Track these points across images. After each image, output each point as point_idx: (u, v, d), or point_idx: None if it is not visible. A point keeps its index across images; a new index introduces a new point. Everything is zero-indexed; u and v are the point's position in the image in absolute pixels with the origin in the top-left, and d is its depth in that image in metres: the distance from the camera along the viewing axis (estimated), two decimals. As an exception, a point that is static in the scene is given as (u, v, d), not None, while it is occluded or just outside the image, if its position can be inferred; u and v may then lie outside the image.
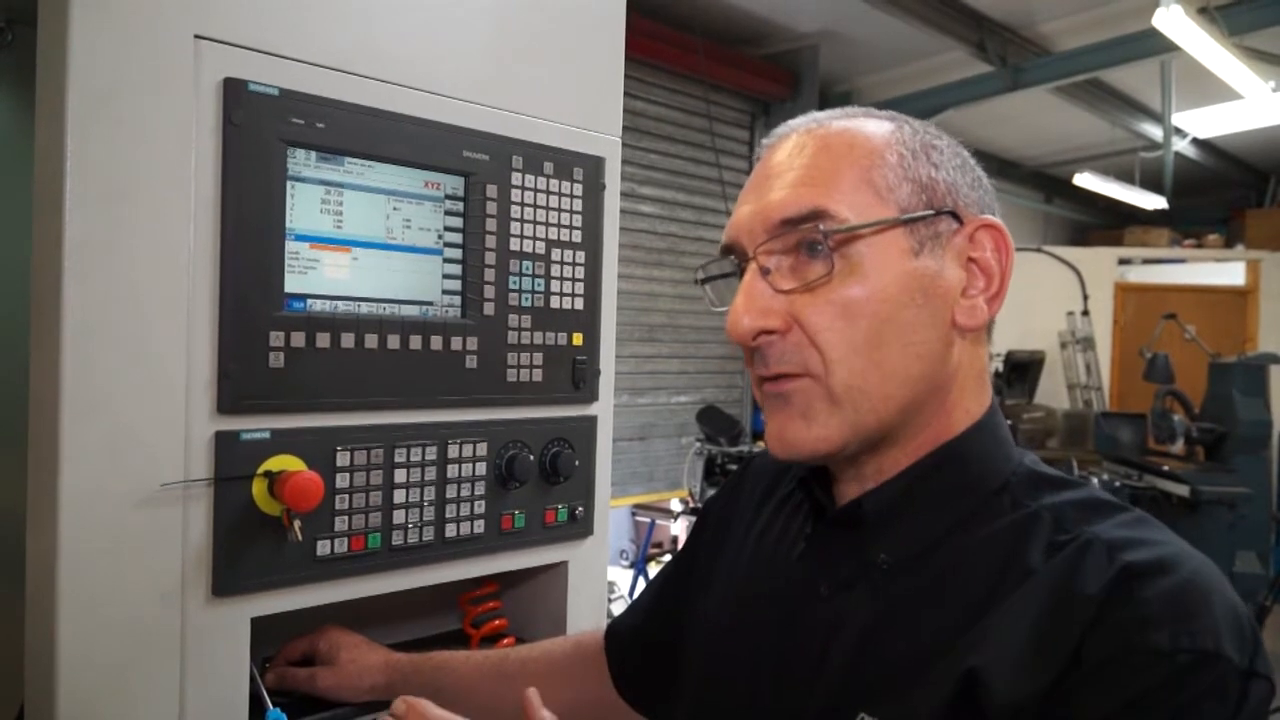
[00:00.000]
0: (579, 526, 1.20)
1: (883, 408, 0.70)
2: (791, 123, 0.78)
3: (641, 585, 4.41)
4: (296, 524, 0.91)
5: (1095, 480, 4.44)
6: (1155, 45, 4.52)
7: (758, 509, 0.89)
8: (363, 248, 0.99)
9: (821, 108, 0.84)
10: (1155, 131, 6.74)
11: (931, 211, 0.71)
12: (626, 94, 1.27)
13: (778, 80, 5.65)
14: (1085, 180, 7.10)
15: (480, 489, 1.09)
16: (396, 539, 1.01)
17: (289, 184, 0.93)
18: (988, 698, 0.62)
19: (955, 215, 0.72)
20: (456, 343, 1.05)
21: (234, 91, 0.88)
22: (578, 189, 1.17)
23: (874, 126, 0.74)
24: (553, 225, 1.14)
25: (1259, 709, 0.59)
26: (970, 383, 0.75)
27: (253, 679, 0.93)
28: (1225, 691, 0.57)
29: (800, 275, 0.71)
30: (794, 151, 0.74)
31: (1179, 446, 5.04)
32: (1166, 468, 4.64)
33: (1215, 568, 0.64)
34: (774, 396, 0.73)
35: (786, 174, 0.73)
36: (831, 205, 0.70)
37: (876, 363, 0.69)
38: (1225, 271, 7.90)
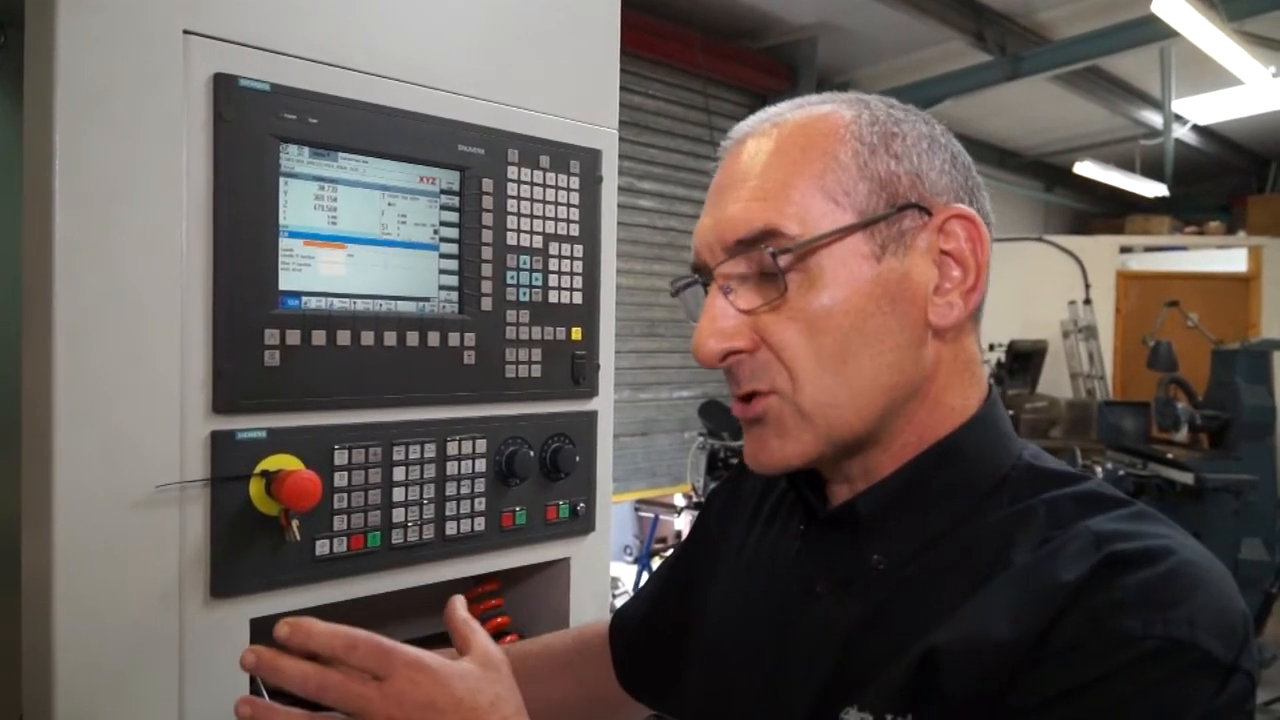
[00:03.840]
0: (581, 523, 1.19)
1: (855, 420, 0.69)
2: (748, 122, 0.75)
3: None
4: (295, 524, 0.90)
5: (1099, 470, 4.43)
6: (1154, 31, 4.51)
7: (758, 504, 0.89)
8: (358, 244, 0.98)
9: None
10: (1155, 119, 6.72)
11: (892, 210, 0.68)
12: (624, 89, 1.26)
13: (775, 73, 5.64)
14: (1086, 169, 7.08)
15: (480, 486, 1.08)
16: (396, 537, 1.00)
17: (282, 180, 0.92)
18: (945, 673, 0.61)
19: (922, 207, 0.69)
20: (454, 339, 1.04)
21: (224, 87, 0.87)
22: (575, 182, 1.16)
23: (830, 121, 0.71)
24: (550, 219, 1.13)
25: (1235, 704, 0.57)
26: (955, 377, 0.72)
27: (253, 681, 0.92)
28: (1193, 681, 0.56)
29: (762, 293, 0.69)
30: (749, 157, 0.71)
31: (1183, 434, 5.02)
32: (1171, 456, 4.62)
33: (1216, 562, 0.62)
34: (749, 421, 0.72)
35: (741, 186, 0.70)
36: (782, 222, 0.67)
37: (845, 378, 0.68)
38: (1227, 258, 7.88)
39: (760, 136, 0.72)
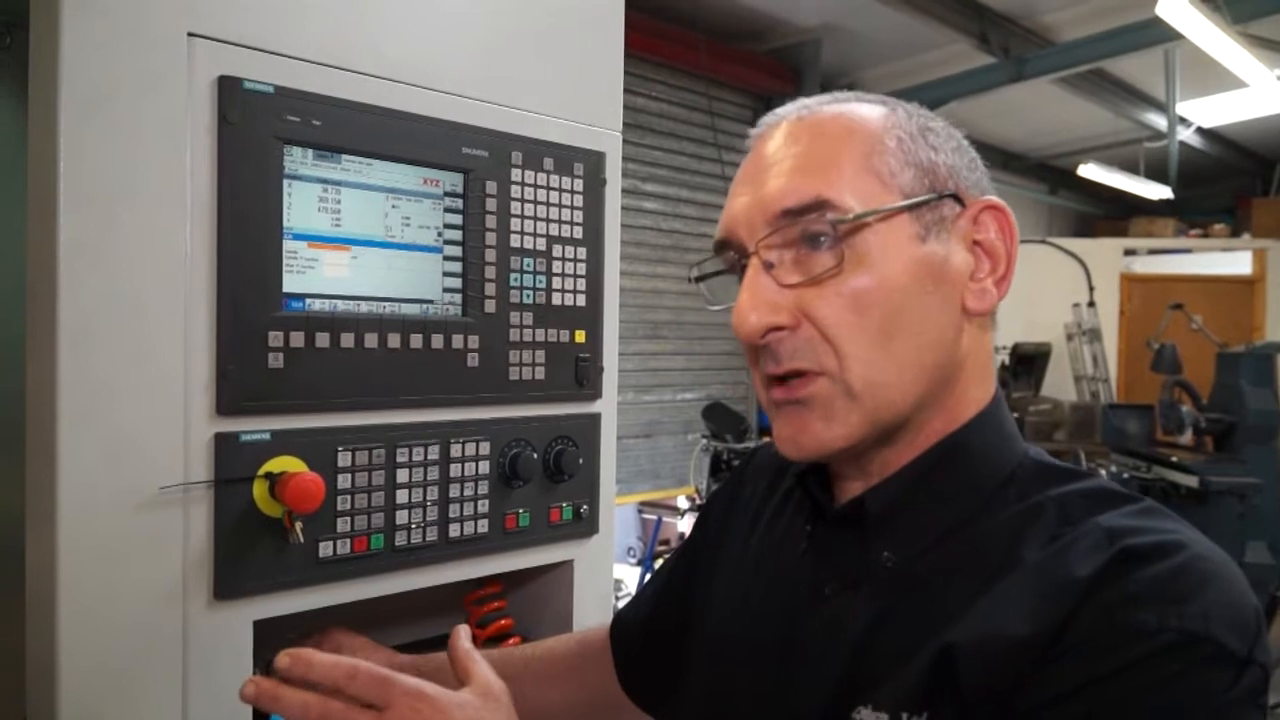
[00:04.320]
0: (584, 525, 1.19)
1: (900, 400, 0.69)
2: (780, 111, 0.75)
3: (649, 583, 4.39)
4: (298, 526, 0.90)
5: (1104, 473, 4.42)
6: (1158, 34, 4.50)
7: (761, 504, 0.88)
8: (362, 246, 0.98)
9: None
10: (1159, 121, 6.72)
11: (935, 195, 0.70)
12: (628, 91, 1.26)
13: (779, 75, 5.64)
14: (1090, 171, 7.07)
15: (484, 488, 1.08)
16: (399, 540, 1.00)
17: (286, 182, 0.92)
18: (961, 672, 0.61)
19: (958, 198, 0.71)
20: (458, 341, 1.04)
21: (228, 90, 0.87)
22: (578, 184, 1.16)
23: (868, 110, 0.72)
24: (553, 221, 1.13)
25: (1249, 697, 0.57)
26: (977, 370, 0.73)
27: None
28: (1208, 674, 0.56)
29: (805, 268, 0.69)
30: (787, 140, 0.71)
31: (1187, 437, 5.02)
32: (1175, 459, 4.62)
33: (1226, 557, 0.62)
34: (790, 402, 0.70)
35: (782, 163, 0.70)
36: (835, 194, 0.67)
37: (891, 355, 0.68)
38: (1231, 261, 7.87)
39: (795, 122, 0.73)
